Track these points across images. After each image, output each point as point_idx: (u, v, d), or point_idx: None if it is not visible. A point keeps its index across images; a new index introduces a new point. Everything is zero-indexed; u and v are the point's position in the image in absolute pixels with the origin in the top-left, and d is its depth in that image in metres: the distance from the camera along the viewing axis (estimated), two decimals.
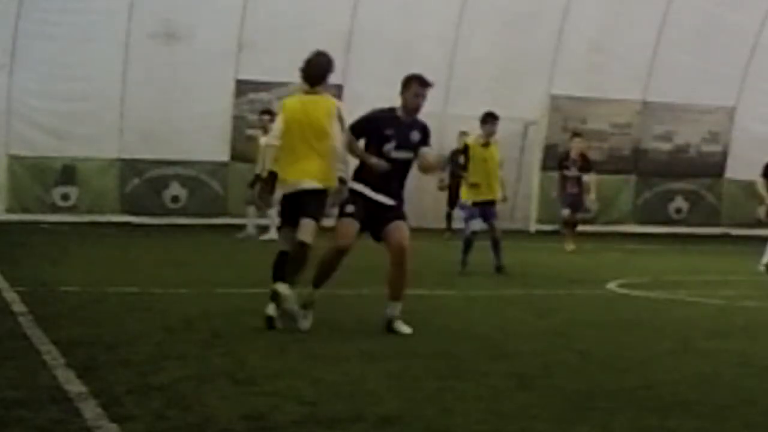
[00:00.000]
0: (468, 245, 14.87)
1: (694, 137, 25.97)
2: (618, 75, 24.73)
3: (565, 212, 19.69)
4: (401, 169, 9.13)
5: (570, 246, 19.15)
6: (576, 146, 19.92)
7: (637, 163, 25.76)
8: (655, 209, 25.91)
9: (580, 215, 19.98)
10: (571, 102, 24.95)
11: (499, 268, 14.81)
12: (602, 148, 25.47)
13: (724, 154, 26.14)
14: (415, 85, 9.08)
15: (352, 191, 9.15)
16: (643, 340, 9.20)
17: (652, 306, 11.80)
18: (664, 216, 25.96)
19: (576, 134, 20.70)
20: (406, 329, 8.97)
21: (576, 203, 19.65)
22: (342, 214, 9.07)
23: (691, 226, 25.77)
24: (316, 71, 9.31)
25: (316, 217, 9.13)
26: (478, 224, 14.99)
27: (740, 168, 26.08)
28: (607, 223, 25.53)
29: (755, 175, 16.13)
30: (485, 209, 14.99)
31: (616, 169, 25.59)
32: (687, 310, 11.41)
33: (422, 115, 9.30)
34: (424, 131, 9.20)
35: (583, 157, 19.80)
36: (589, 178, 19.73)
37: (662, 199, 25.99)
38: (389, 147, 9.03)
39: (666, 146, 25.92)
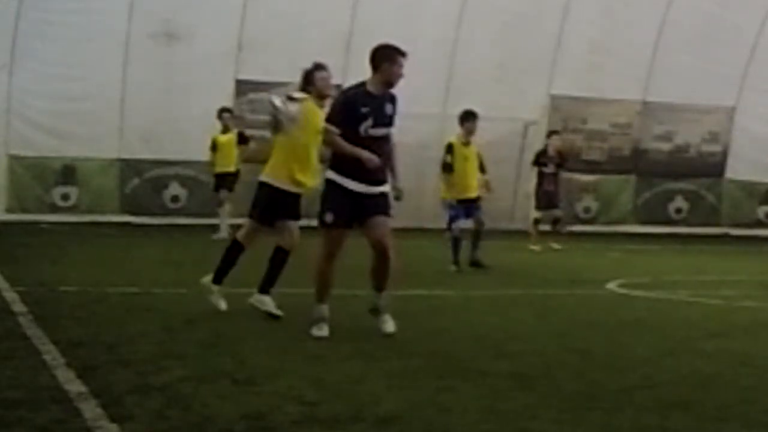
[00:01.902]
0: (457, 244, 14.96)
1: (694, 137, 25.95)
2: (618, 75, 24.70)
3: (537, 214, 19.81)
4: (381, 146, 8.78)
5: (552, 245, 19.22)
6: (553, 143, 20.21)
7: (637, 163, 25.74)
8: (655, 209, 25.90)
9: (558, 212, 20.06)
10: (571, 102, 24.95)
11: (474, 263, 14.89)
12: (602, 148, 25.49)
13: (724, 154, 26.13)
14: (399, 57, 8.83)
15: (333, 184, 8.81)
16: (643, 340, 9.20)
17: (652, 306, 11.79)
18: (664, 216, 25.95)
19: (553, 132, 20.97)
20: (389, 327, 8.72)
21: (552, 201, 19.84)
22: (323, 223, 8.76)
23: (691, 226, 25.75)
24: None
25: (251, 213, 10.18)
26: (464, 223, 15.09)
27: (740, 168, 26.09)
28: (607, 223, 25.53)
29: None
30: (468, 207, 15.09)
31: (616, 169, 25.59)
32: (687, 310, 11.41)
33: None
34: (395, 102, 8.95)
35: (560, 154, 20.09)
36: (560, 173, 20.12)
37: (662, 199, 25.97)
38: (366, 125, 8.70)
39: (666, 146, 25.90)
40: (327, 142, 8.89)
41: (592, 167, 25.41)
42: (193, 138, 22.30)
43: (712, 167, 26.12)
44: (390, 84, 8.88)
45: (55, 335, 8.23)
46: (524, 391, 6.80)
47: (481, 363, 7.76)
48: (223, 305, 9.88)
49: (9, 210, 22.14)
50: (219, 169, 19.84)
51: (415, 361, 7.75)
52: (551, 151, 20.04)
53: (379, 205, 8.81)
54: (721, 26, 24.57)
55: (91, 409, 5.86)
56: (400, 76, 8.87)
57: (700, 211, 26.13)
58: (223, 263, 10.11)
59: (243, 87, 23.11)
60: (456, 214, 15.08)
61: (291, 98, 9.80)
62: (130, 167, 22.75)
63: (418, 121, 19.59)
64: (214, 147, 19.83)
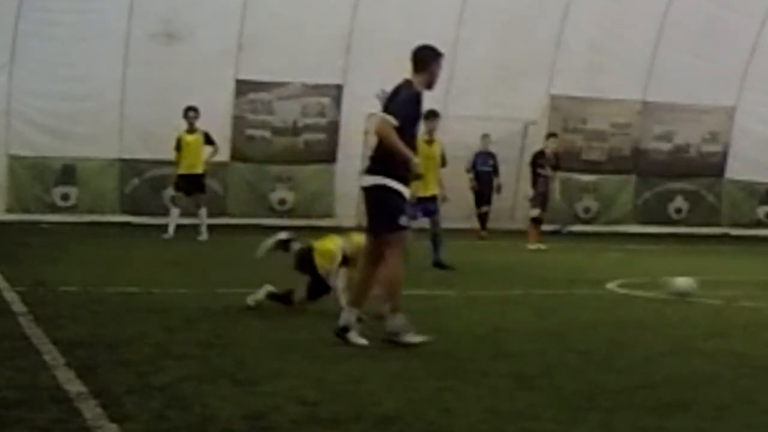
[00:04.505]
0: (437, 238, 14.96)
1: (694, 137, 25.94)
2: (618, 75, 24.70)
3: (536, 212, 19.88)
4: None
5: (537, 245, 19.26)
6: (551, 146, 20.38)
7: (637, 163, 25.74)
8: (655, 209, 25.89)
9: (545, 214, 20.23)
10: (571, 102, 24.94)
11: (438, 263, 14.89)
12: (602, 148, 25.48)
13: (724, 154, 26.11)
14: (440, 59, 8.75)
15: (392, 191, 8.48)
16: (643, 340, 9.20)
17: (652, 306, 11.79)
18: (664, 216, 25.94)
19: (551, 134, 21.18)
20: (362, 341, 8.41)
21: (545, 203, 20.03)
22: (398, 226, 8.46)
23: (691, 226, 25.73)
24: None
25: None
26: (421, 221, 14.99)
27: (740, 168, 26.08)
28: (607, 223, 25.52)
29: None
30: (426, 205, 15.08)
31: (616, 169, 25.59)
32: (687, 310, 11.41)
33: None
34: None
35: (556, 156, 20.29)
36: (554, 176, 20.32)
37: (662, 199, 25.96)
38: (418, 125, 8.66)
39: (666, 146, 25.90)
40: (382, 134, 8.45)
41: (592, 167, 25.41)
42: None
43: (712, 167, 26.11)
44: (431, 85, 8.78)
45: (55, 335, 8.23)
46: (524, 391, 6.80)
47: (481, 363, 7.76)
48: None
49: (9, 210, 22.14)
50: (185, 170, 19.69)
51: (415, 361, 7.75)
52: (548, 153, 20.16)
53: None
54: (721, 26, 24.57)
55: (91, 409, 5.86)
56: (438, 76, 8.81)
57: (700, 211, 26.12)
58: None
59: (243, 87, 23.11)
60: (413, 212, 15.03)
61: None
62: (130, 167, 22.74)
63: None
64: (179, 147, 19.70)
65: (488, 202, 22.79)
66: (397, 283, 8.52)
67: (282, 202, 23.75)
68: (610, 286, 13.41)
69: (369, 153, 8.91)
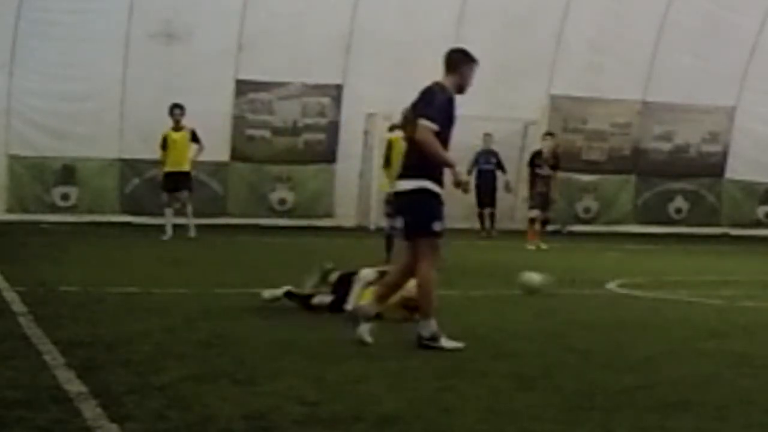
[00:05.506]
0: (389, 241, 14.88)
1: (694, 137, 25.96)
2: (618, 75, 24.72)
3: (534, 212, 19.87)
4: None
5: (537, 245, 19.26)
6: (548, 145, 20.36)
7: (637, 163, 25.76)
8: (655, 209, 25.90)
9: (548, 214, 20.20)
10: (571, 102, 24.96)
11: None
12: (602, 148, 25.50)
13: (724, 154, 26.13)
14: (473, 65, 8.75)
15: (433, 193, 8.42)
16: (643, 340, 9.20)
17: (652, 306, 11.79)
18: (664, 216, 25.95)
19: (548, 134, 21.15)
20: (368, 338, 8.33)
21: (545, 202, 20.00)
22: (434, 233, 8.45)
23: (691, 226, 25.75)
24: None
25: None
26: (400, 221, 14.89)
27: (740, 168, 26.10)
28: (607, 223, 25.54)
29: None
30: None
31: (616, 169, 25.61)
32: (687, 310, 11.40)
33: None
34: None
35: (554, 155, 20.23)
36: (555, 175, 20.27)
37: (662, 199, 25.98)
38: (452, 129, 8.55)
39: (666, 146, 25.92)
40: (425, 143, 8.28)
41: (592, 167, 25.43)
42: None
43: (712, 167, 26.13)
44: (463, 89, 8.70)
45: (55, 335, 8.22)
46: (524, 391, 6.80)
47: (481, 363, 7.76)
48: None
49: (9, 210, 22.17)
50: (171, 168, 19.58)
51: (415, 361, 7.74)
52: (546, 153, 20.14)
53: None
54: (721, 26, 24.59)
55: (91, 409, 5.85)
56: (472, 81, 8.77)
57: (700, 211, 26.13)
58: None
59: (243, 87, 23.13)
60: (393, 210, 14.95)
61: None
62: (130, 167, 22.76)
63: None
64: (165, 145, 19.59)
65: (492, 200, 22.76)
66: (429, 289, 8.51)
67: (282, 202, 23.77)
68: (610, 286, 13.40)
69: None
